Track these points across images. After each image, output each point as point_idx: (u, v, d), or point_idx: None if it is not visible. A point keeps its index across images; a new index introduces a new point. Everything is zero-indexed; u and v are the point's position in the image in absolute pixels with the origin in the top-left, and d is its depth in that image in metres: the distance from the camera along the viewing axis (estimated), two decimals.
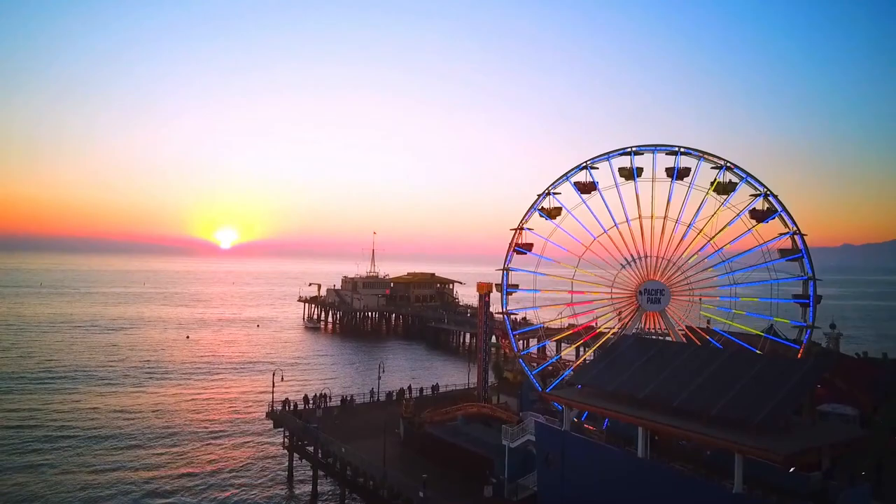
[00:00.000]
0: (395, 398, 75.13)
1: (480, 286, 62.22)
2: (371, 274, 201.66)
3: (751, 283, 53.72)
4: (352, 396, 74.58)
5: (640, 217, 55.41)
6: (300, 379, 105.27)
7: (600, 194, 56.96)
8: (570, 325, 56.94)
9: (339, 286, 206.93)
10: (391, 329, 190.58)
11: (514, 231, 58.42)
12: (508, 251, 58.16)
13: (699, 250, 54.37)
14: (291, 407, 69.10)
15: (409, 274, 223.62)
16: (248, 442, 72.18)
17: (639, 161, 56.00)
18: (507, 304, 58.50)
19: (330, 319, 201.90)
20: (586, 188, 56.93)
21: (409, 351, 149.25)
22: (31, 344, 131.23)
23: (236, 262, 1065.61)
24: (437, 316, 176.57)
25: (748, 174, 53.76)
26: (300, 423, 63.58)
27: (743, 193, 54.53)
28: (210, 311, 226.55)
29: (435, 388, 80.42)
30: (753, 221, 53.91)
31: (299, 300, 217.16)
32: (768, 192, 53.43)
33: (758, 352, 52.76)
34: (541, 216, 57.70)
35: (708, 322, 57.84)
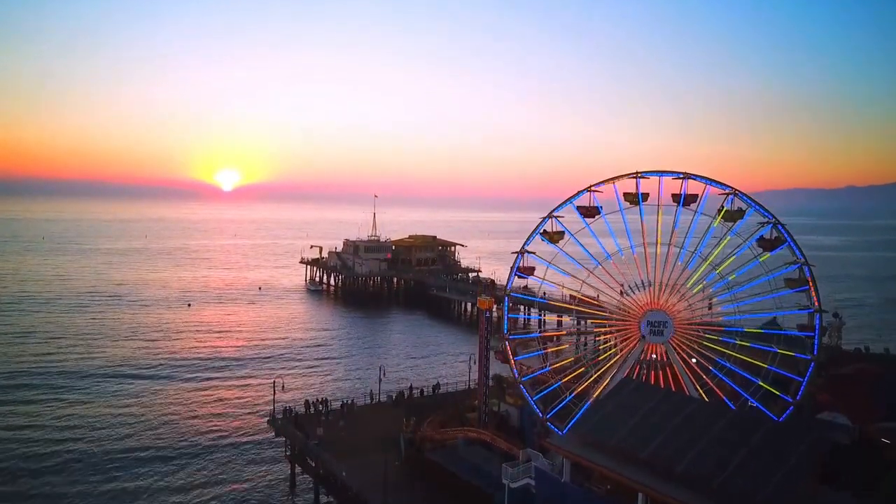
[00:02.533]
0: (395, 398, 75.48)
1: (481, 302, 61.33)
2: (372, 238, 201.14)
3: (756, 315, 52.84)
4: (352, 400, 74.72)
5: (644, 243, 54.23)
6: (302, 362, 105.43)
7: (604, 219, 55.63)
8: (573, 351, 56.16)
9: (340, 248, 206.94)
10: (393, 293, 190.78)
11: (516, 254, 57.30)
12: (510, 275, 57.19)
13: (705, 279, 53.33)
14: (292, 414, 69.22)
15: (410, 237, 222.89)
16: (248, 448, 72.12)
17: (644, 186, 54.47)
18: (508, 328, 57.65)
19: (332, 282, 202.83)
20: (589, 212, 55.57)
21: (410, 321, 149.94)
22: (30, 324, 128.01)
23: (238, 207, 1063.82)
24: (438, 283, 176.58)
25: (756, 203, 52.30)
26: (301, 436, 63.92)
27: (751, 222, 53.16)
28: (212, 272, 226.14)
29: (436, 387, 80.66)
30: (760, 250, 52.66)
31: (301, 262, 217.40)
32: (777, 222, 52.06)
33: (761, 383, 52.61)
34: (542, 240, 56.50)
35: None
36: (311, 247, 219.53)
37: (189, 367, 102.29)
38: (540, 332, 56.61)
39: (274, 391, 72.89)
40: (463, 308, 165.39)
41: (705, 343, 53.03)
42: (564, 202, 56.04)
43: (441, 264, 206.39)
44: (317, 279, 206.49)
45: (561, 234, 56.30)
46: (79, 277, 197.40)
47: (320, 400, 74.08)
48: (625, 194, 55.01)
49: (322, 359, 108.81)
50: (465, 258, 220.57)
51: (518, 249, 56.97)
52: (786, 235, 51.82)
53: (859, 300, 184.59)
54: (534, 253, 56.75)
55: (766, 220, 52.40)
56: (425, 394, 78.45)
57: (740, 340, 52.66)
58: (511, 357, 56.45)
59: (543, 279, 56.37)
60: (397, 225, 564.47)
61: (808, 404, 54.60)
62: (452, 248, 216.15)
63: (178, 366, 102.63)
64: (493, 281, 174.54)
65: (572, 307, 55.67)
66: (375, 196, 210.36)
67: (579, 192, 55.66)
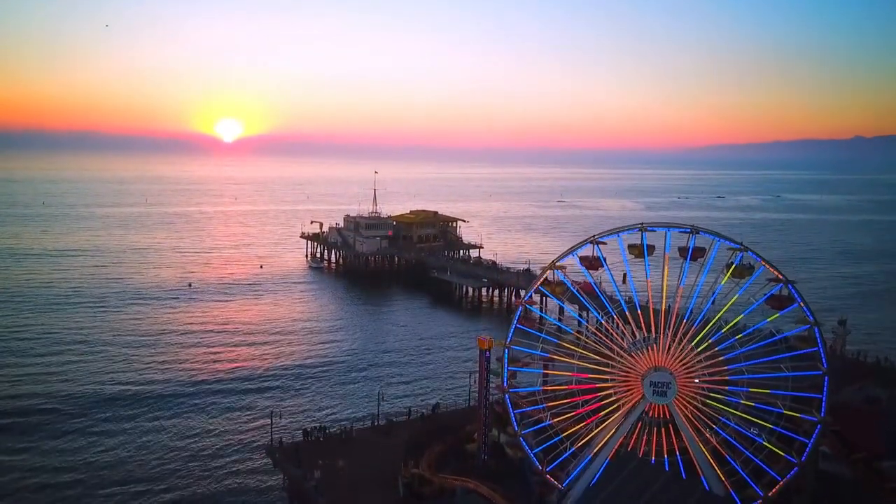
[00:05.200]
0: (391, 426, 74.49)
1: (481, 342, 59.97)
2: (373, 214, 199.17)
3: (763, 375, 51.35)
4: (352, 426, 74.08)
5: (649, 297, 52.41)
6: (301, 371, 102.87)
7: (608, 271, 53.70)
8: (573, 407, 54.87)
9: (340, 223, 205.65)
10: (394, 272, 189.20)
11: (517, 305, 55.59)
12: (511, 327, 55.52)
13: (711, 337, 51.65)
14: (290, 445, 68.57)
15: (411, 212, 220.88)
16: (247, 479, 70.63)
17: (650, 238, 52.40)
18: (507, 381, 56.29)
19: (333, 259, 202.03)
20: (593, 264, 53.63)
21: (412, 310, 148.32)
22: (22, 324, 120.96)
23: (239, 162, 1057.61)
24: (439, 264, 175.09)
25: (767, 262, 50.31)
26: (299, 474, 63.38)
27: (760, 279, 51.27)
28: (212, 247, 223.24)
29: (435, 407, 79.88)
30: (770, 309, 50.95)
31: (302, 236, 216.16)
32: (787, 281, 50.18)
33: (765, 442, 51.58)
34: (543, 293, 54.69)
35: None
36: (312, 222, 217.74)
37: (186, 380, 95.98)
38: (541, 386, 55.09)
39: (272, 420, 72.10)
40: (464, 291, 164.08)
41: (709, 402, 51.74)
42: (567, 253, 54.07)
43: (443, 240, 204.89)
44: (318, 255, 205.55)
45: (562, 286, 54.44)
46: (78, 254, 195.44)
47: (318, 427, 73.47)
48: (629, 246, 53.08)
49: (322, 366, 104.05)
50: (467, 232, 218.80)
51: (520, 301, 55.22)
52: (796, 295, 50.07)
53: (866, 283, 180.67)
54: (535, 304, 54.98)
55: (777, 278, 50.49)
56: (425, 415, 77.51)
57: (745, 400, 51.41)
58: (511, 410, 55.32)
59: (544, 332, 54.68)
60: (399, 186, 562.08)
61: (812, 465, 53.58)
62: (454, 224, 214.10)
63: (175, 380, 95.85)
64: (494, 262, 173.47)
65: (573, 361, 54.08)
66: (376, 172, 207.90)
67: (583, 243, 53.65)
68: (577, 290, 53.89)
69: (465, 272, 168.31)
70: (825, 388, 50.34)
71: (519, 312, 54.89)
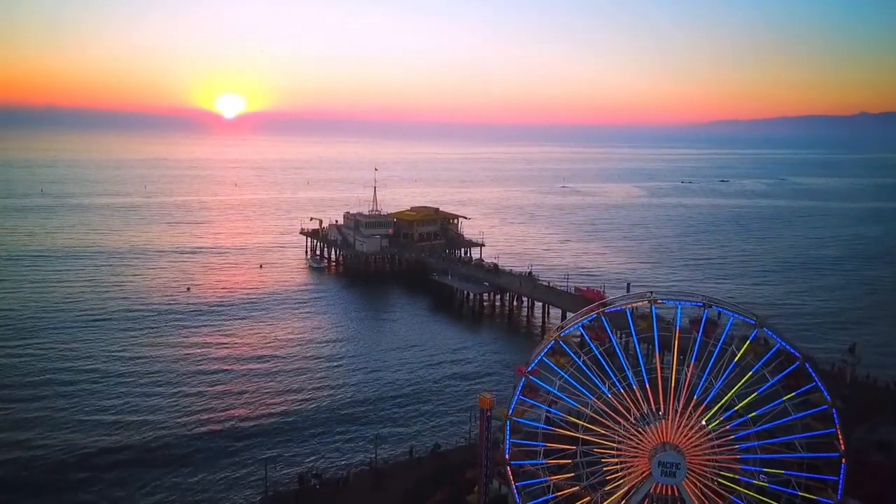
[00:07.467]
0: (393, 463, 73.02)
1: (482, 400, 57.69)
2: (374, 212, 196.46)
3: (778, 455, 49.05)
4: (349, 473, 72.23)
5: (658, 372, 49.86)
6: (297, 390, 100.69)
7: (614, 343, 51.04)
8: (578, 479, 52.71)
9: (340, 220, 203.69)
10: (395, 273, 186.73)
11: (519, 373, 53.13)
12: (512, 397, 53.11)
13: (723, 415, 49.26)
14: (285, 488, 67.08)
15: (412, 209, 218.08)
16: None
17: (660, 310, 49.74)
18: (509, 451, 53.96)
19: (333, 257, 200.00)
20: (599, 335, 51.02)
21: (412, 318, 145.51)
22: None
23: (240, 140, 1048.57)
24: (440, 267, 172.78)
25: (783, 339, 47.70)
26: None
27: (776, 355, 48.67)
28: (212, 246, 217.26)
29: (435, 448, 78.05)
30: (786, 389, 48.47)
31: (301, 232, 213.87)
32: (806, 359, 47.65)
33: None
34: (546, 363, 52.14)
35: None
36: (311, 219, 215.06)
37: (177, 421, 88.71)
38: (544, 460, 52.78)
39: (266, 466, 70.20)
40: (465, 295, 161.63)
41: (721, 481, 49.53)
42: (571, 323, 51.52)
43: (444, 238, 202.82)
44: (318, 254, 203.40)
45: (567, 357, 51.90)
46: (76, 255, 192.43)
47: (314, 473, 71.75)
48: (638, 318, 50.42)
49: (318, 399, 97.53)
50: (469, 229, 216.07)
51: (522, 371, 52.75)
52: (814, 375, 47.58)
53: (875, 288, 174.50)
54: (537, 375, 52.50)
55: (794, 357, 47.94)
56: (422, 459, 75.52)
57: (758, 479, 49.19)
58: (512, 482, 53.19)
59: (549, 405, 52.26)
60: (399, 169, 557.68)
61: None
62: (455, 221, 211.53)
63: (166, 422, 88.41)
64: (495, 265, 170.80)
65: (578, 435, 51.73)
66: (376, 169, 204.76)
67: (589, 314, 51.04)
68: (583, 363, 51.36)
69: (466, 276, 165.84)
70: (842, 472, 48.08)
71: (522, 383, 52.47)
